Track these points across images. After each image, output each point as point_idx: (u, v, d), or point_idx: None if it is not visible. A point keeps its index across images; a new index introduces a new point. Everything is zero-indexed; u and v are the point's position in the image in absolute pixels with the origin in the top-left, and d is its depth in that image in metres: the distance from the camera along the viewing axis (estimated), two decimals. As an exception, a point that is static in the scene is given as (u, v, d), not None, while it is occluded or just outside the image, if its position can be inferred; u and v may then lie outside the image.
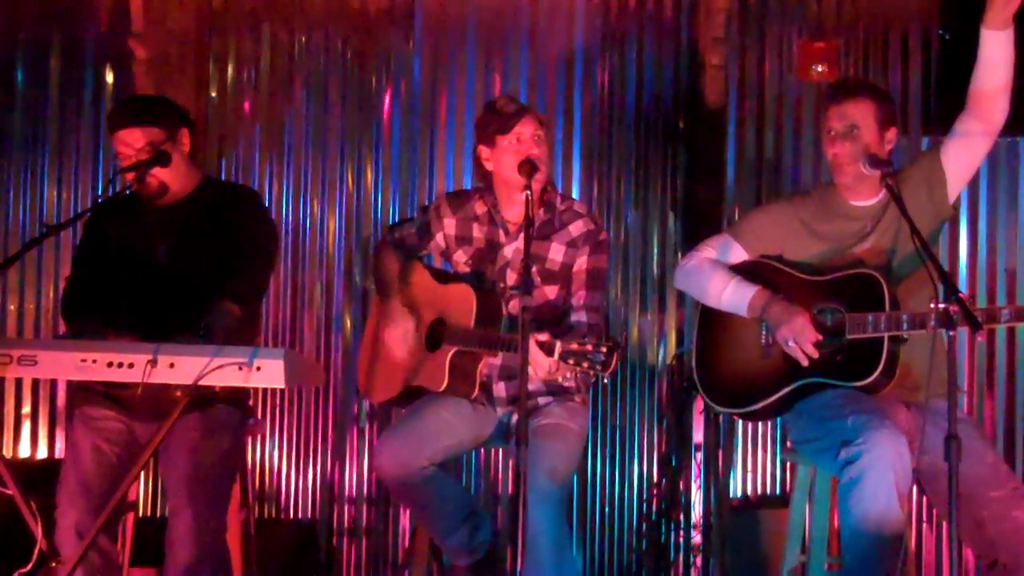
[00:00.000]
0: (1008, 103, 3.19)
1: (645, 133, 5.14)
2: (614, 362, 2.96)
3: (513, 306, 3.49)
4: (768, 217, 3.50)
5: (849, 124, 3.29)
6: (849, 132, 3.29)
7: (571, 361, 3.00)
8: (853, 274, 3.23)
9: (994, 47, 3.14)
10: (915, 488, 3.30)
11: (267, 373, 2.91)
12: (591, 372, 2.98)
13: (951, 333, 2.74)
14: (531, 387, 3.42)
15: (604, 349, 2.97)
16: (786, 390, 3.29)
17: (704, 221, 4.91)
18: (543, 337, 3.08)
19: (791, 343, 3.22)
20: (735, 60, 5.08)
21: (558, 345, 3.04)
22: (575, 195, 5.07)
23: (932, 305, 2.81)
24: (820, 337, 3.20)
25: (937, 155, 3.31)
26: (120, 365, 2.96)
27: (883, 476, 2.93)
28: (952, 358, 2.72)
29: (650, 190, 5.14)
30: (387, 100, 5.26)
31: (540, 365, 3.08)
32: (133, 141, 3.42)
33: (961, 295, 2.77)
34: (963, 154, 3.27)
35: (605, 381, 3.06)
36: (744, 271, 3.42)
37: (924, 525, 4.84)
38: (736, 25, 5.07)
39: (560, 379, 3.15)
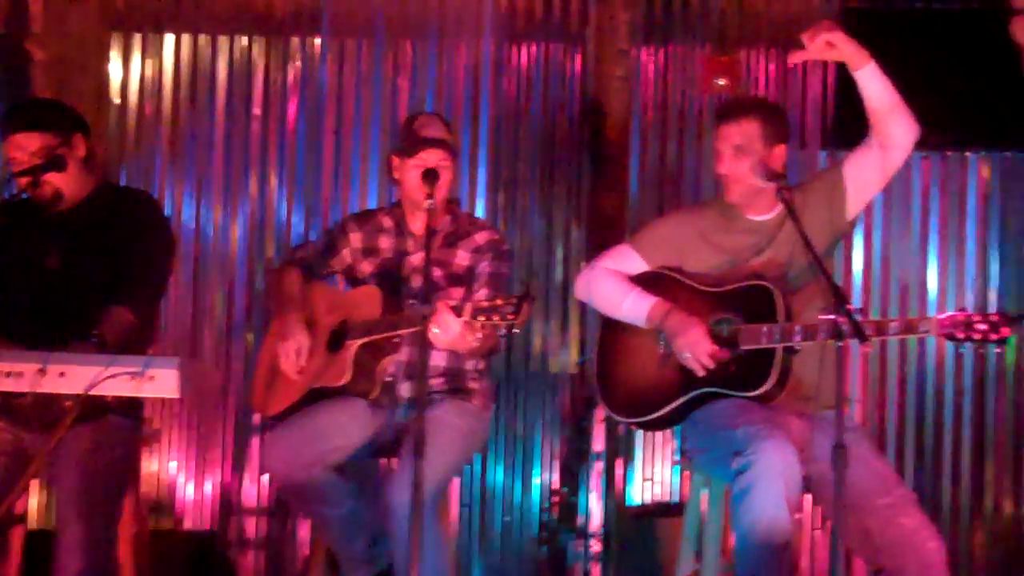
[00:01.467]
0: (906, 121, 3.24)
1: (551, 143, 5.18)
2: (524, 310, 2.95)
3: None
4: (667, 229, 3.54)
5: (735, 144, 3.35)
6: (735, 152, 3.35)
7: (482, 317, 2.99)
8: (748, 286, 3.28)
9: (860, 83, 3.21)
10: (809, 496, 3.37)
11: (160, 383, 2.87)
12: (502, 324, 2.97)
13: (839, 344, 2.81)
14: (433, 383, 3.48)
15: (514, 299, 2.98)
16: (682, 400, 3.33)
17: (608, 231, 4.94)
18: (453, 301, 3.10)
19: (687, 354, 3.26)
20: (638, 72, 5.14)
21: (468, 305, 3.04)
22: (480, 204, 5.11)
23: (820, 317, 2.87)
24: (716, 348, 3.24)
25: (840, 170, 3.37)
26: (8, 374, 2.90)
27: (772, 485, 2.97)
28: (840, 369, 2.77)
29: (555, 200, 5.18)
30: (293, 106, 5.22)
31: (448, 327, 3.07)
32: (26, 146, 3.35)
33: (849, 308, 2.84)
34: (864, 171, 3.33)
35: (516, 331, 3.04)
36: (644, 282, 3.45)
37: (818, 532, 4.93)
38: (639, 37, 5.13)
39: (471, 339, 3.14)
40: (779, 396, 3.20)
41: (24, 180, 3.35)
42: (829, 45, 3.14)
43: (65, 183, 3.41)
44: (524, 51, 5.21)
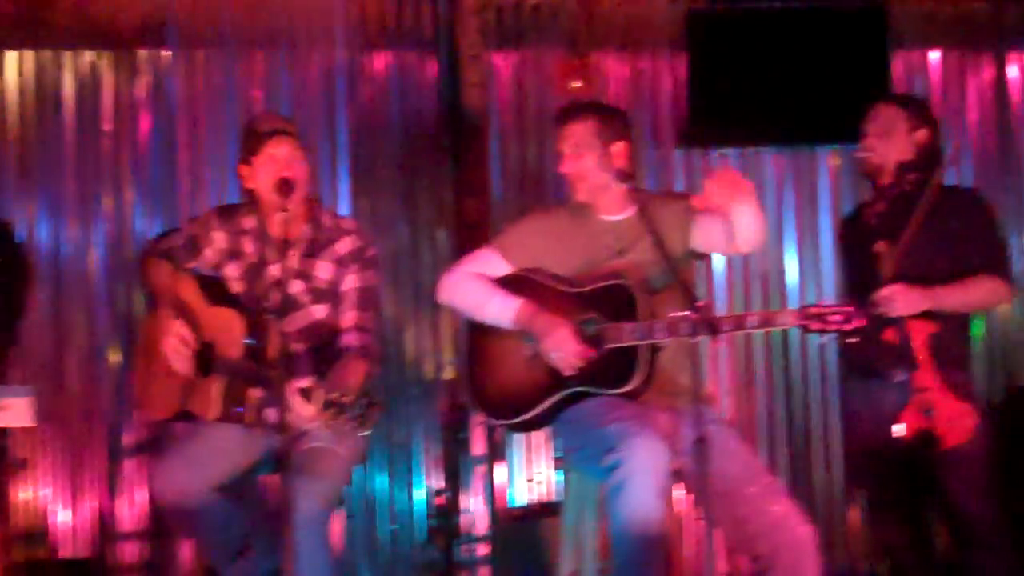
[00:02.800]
0: (759, 237, 3.25)
1: (411, 149, 5.18)
2: (372, 419, 2.97)
3: (282, 326, 3.45)
4: (527, 231, 3.57)
5: (573, 144, 3.42)
6: (575, 150, 3.42)
7: (330, 411, 2.99)
8: (607, 285, 3.33)
9: (736, 215, 3.19)
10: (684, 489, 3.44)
11: (14, 412, 2.81)
12: (348, 427, 2.99)
13: (694, 340, 2.89)
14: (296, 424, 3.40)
15: (363, 403, 2.98)
16: (552, 400, 3.36)
17: (473, 234, 4.97)
18: (304, 383, 3.06)
19: (555, 354, 3.31)
20: (493, 76, 5.18)
21: (319, 393, 3.02)
22: (345, 211, 5.05)
23: (675, 314, 2.96)
24: (583, 347, 3.30)
25: (692, 210, 3.38)
26: None
27: (644, 481, 3.02)
28: (695, 363, 2.86)
29: (419, 205, 5.18)
30: (145, 120, 5.11)
31: (300, 414, 3.07)
32: None
33: (699, 303, 2.93)
34: (710, 235, 3.33)
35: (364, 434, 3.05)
36: (507, 284, 3.47)
37: (700, 522, 5.03)
38: (493, 42, 5.17)
39: (320, 425, 3.13)
40: (646, 392, 3.27)
41: None
42: (731, 197, 3.15)
43: None
44: (378, 58, 5.20)
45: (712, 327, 2.87)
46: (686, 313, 2.92)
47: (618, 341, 3.25)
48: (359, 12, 5.17)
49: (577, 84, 5.08)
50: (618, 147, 3.42)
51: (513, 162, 5.20)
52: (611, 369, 3.26)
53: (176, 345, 3.44)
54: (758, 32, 5.09)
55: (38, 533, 4.93)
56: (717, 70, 5.08)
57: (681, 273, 3.08)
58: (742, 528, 3.17)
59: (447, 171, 5.18)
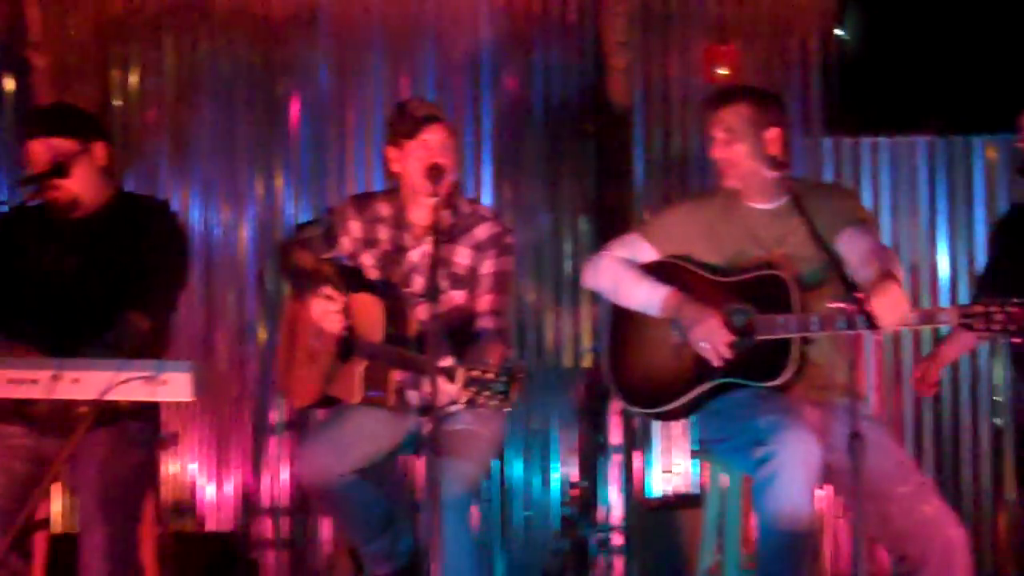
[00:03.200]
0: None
1: (554, 136, 5.17)
2: (514, 393, 2.97)
3: (421, 312, 3.49)
4: (676, 217, 3.53)
5: (726, 129, 3.36)
6: (726, 137, 3.36)
7: (473, 389, 3.00)
8: (761, 276, 3.28)
9: None
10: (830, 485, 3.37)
11: (174, 386, 2.88)
12: (492, 403, 3.00)
13: (851, 333, 2.81)
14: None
15: (504, 379, 2.98)
16: (699, 390, 3.32)
17: (615, 222, 4.94)
18: (446, 363, 3.08)
19: (705, 344, 3.26)
20: (639, 63, 5.13)
21: (460, 372, 3.04)
22: (487, 199, 5.07)
23: (831, 305, 2.88)
24: (733, 338, 3.24)
25: (843, 226, 3.28)
26: (22, 381, 2.91)
27: (795, 475, 2.98)
28: (852, 357, 2.77)
29: (561, 192, 5.17)
30: (294, 106, 5.22)
31: (443, 392, 3.07)
32: (46, 150, 3.36)
33: (859, 295, 2.84)
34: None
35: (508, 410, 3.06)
36: (654, 271, 3.45)
37: (839, 521, 4.93)
38: (639, 28, 5.12)
39: (461, 403, 3.15)
40: (796, 386, 3.20)
41: (30, 186, 3.36)
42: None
43: (83, 189, 3.42)
44: (524, 44, 5.20)
45: (870, 321, 2.78)
46: (843, 306, 2.83)
47: (770, 333, 3.19)
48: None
49: (724, 71, 5.00)
50: (772, 133, 3.35)
51: (656, 150, 5.15)
52: (761, 361, 3.21)
53: (324, 304, 3.47)
54: (914, 16, 4.92)
55: (186, 506, 5.10)
56: (870, 55, 4.95)
57: (837, 265, 2.98)
58: (891, 527, 3.11)
59: (590, 158, 5.15)
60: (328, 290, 3.47)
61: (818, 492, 3.29)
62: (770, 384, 3.20)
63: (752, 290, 3.27)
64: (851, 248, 3.17)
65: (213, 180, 5.20)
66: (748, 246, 3.38)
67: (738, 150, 3.35)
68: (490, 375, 2.97)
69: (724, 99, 3.41)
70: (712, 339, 3.24)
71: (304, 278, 3.61)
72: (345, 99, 5.20)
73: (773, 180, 3.33)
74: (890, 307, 2.88)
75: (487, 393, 2.97)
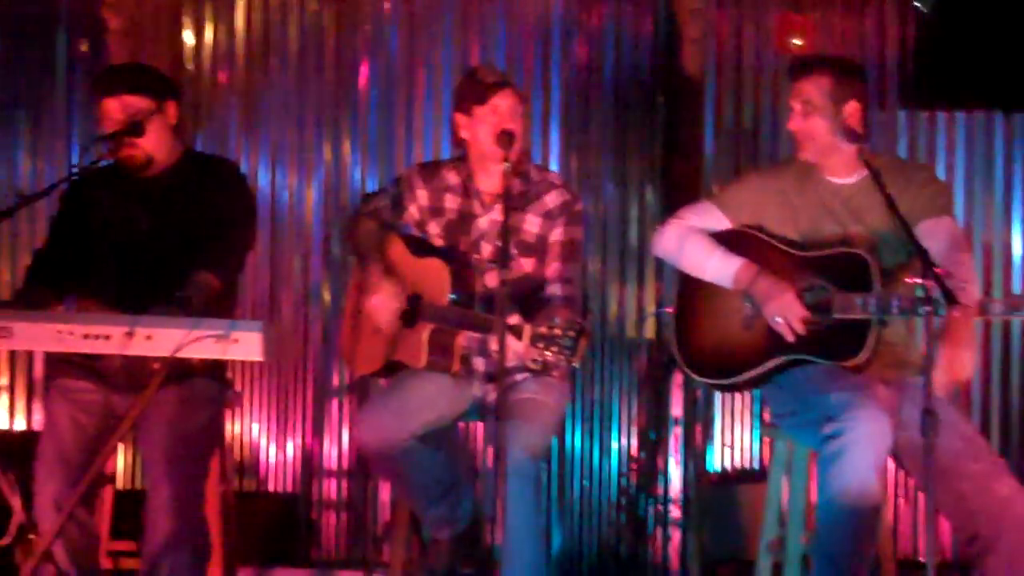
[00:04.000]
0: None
1: (623, 106, 5.12)
2: (581, 347, 2.96)
3: (489, 279, 3.49)
4: (750, 186, 3.48)
5: (804, 100, 3.30)
6: (805, 108, 3.30)
7: (540, 345, 3.00)
8: (841, 253, 3.23)
9: None
10: (892, 464, 3.33)
11: (245, 346, 2.90)
12: (559, 358, 2.98)
13: (927, 309, 2.76)
14: (508, 363, 3.41)
15: (572, 334, 2.96)
16: (770, 364, 3.28)
17: (682, 194, 4.87)
18: (513, 320, 3.07)
19: (779, 318, 3.22)
20: (712, 32, 5.07)
21: (527, 329, 3.03)
22: (553, 167, 5.03)
23: (908, 281, 2.83)
24: (808, 314, 3.20)
25: (923, 212, 3.24)
26: (96, 337, 2.94)
27: (865, 453, 2.95)
28: (930, 334, 2.73)
29: (628, 163, 5.13)
30: (364, 71, 5.22)
31: (508, 349, 3.06)
32: (120, 108, 3.38)
33: (938, 270, 2.79)
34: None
35: (575, 366, 3.05)
36: (726, 240, 3.40)
37: (901, 500, 4.88)
38: (713, -3, 5.07)
39: (529, 362, 3.14)
40: (870, 365, 3.16)
41: (105, 145, 3.39)
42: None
43: (156, 149, 3.44)
44: (595, 12, 5.16)
45: (945, 295, 2.73)
46: (922, 282, 2.78)
47: (849, 312, 3.13)
48: (579, -36, 5.15)
49: (798, 42, 4.93)
50: (851, 107, 3.28)
51: (727, 121, 5.08)
52: (836, 339, 3.16)
53: (383, 301, 3.50)
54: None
55: (247, 466, 5.15)
56: (949, 27, 4.83)
57: (917, 242, 2.93)
58: (963, 506, 3.06)
59: (659, 128, 5.11)
60: (390, 288, 3.49)
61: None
62: (845, 364, 3.15)
63: (830, 266, 3.21)
64: (930, 241, 3.10)
65: (281, 144, 5.22)
66: (824, 221, 3.32)
67: (816, 123, 3.28)
68: (557, 331, 2.96)
69: (804, 70, 3.33)
70: (787, 314, 3.20)
71: (367, 255, 3.63)
72: (415, 64, 5.19)
73: (851, 154, 3.27)
74: (953, 366, 2.96)
75: (554, 348, 2.97)
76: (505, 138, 3.35)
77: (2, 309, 3.23)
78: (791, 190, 3.38)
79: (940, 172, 4.92)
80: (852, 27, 5.06)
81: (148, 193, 3.47)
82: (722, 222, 3.44)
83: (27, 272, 3.52)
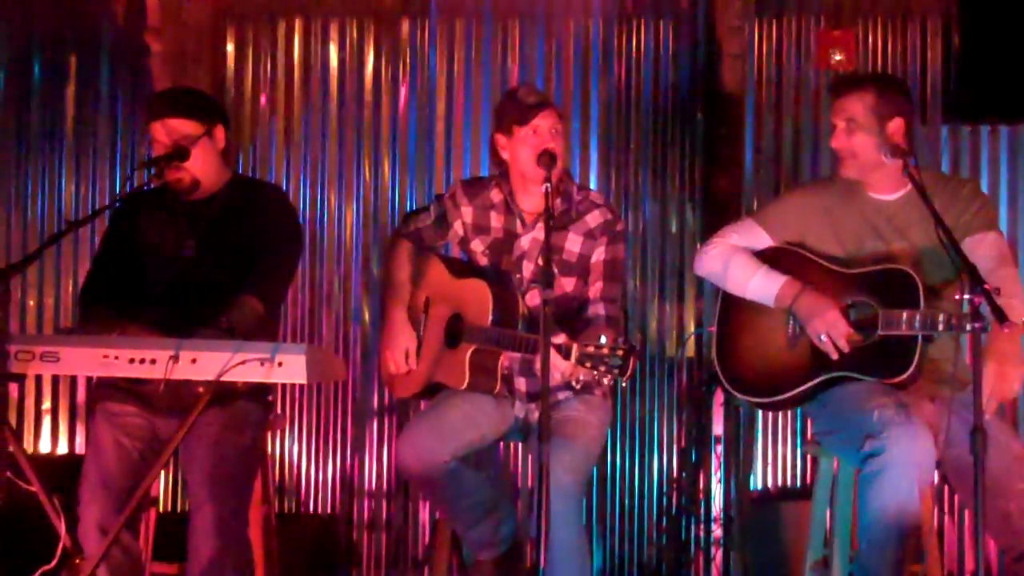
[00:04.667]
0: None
1: (663, 123, 5.13)
2: (631, 366, 2.95)
3: (530, 298, 3.48)
4: (793, 203, 3.46)
5: (847, 118, 3.28)
6: (849, 125, 3.28)
7: (588, 364, 2.99)
8: (885, 269, 3.20)
9: None
10: (938, 480, 3.29)
11: (289, 369, 2.90)
12: (608, 376, 2.97)
13: (976, 325, 2.73)
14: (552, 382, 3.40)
15: (620, 352, 2.95)
16: (814, 382, 3.25)
17: (723, 212, 4.88)
18: (559, 340, 3.06)
19: (823, 336, 3.20)
20: (752, 49, 5.06)
21: (575, 348, 3.02)
22: (593, 186, 5.04)
23: (957, 296, 2.79)
24: (852, 331, 3.17)
25: (968, 227, 3.24)
26: (142, 361, 2.96)
27: (905, 471, 2.93)
28: (978, 351, 2.70)
29: (668, 181, 5.12)
30: (403, 91, 5.25)
31: (556, 368, 3.05)
32: (168, 133, 3.41)
33: (987, 286, 2.75)
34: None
35: (623, 384, 3.04)
36: (769, 258, 3.38)
37: (945, 518, 4.82)
38: (753, 14, 5.05)
39: (573, 382, 3.13)
40: (916, 382, 3.13)
41: (152, 169, 3.41)
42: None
43: (203, 173, 3.47)
44: (634, 30, 5.16)
45: (994, 311, 2.69)
46: (970, 298, 2.74)
47: (894, 329, 3.10)
48: (617, -18, 5.16)
49: (839, 57, 4.90)
50: (895, 124, 3.26)
51: (767, 138, 5.07)
52: (881, 357, 3.13)
53: (400, 357, 3.54)
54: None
55: (288, 487, 5.17)
56: (990, 40, 4.79)
57: (964, 258, 2.89)
58: (1009, 524, 3.03)
59: (699, 146, 5.10)
60: (408, 343, 3.53)
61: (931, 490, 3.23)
62: (890, 382, 3.12)
63: (875, 283, 3.19)
64: (976, 256, 3.07)
65: (322, 165, 5.26)
66: (867, 237, 3.30)
67: (860, 140, 3.26)
68: (604, 350, 2.95)
69: (848, 86, 3.32)
70: (832, 332, 3.17)
71: (395, 294, 3.64)
72: (454, 85, 5.22)
73: (895, 170, 3.24)
74: (999, 383, 2.99)
75: (603, 367, 2.95)
76: (546, 158, 3.35)
77: (67, 335, 3.25)
78: (834, 206, 3.36)
79: (984, 186, 4.87)
80: (894, 41, 5.03)
81: (195, 217, 3.50)
82: (764, 240, 3.42)
83: (83, 296, 3.54)
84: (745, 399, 3.48)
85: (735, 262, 3.39)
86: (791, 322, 3.31)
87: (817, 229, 3.36)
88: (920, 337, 3.09)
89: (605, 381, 3.00)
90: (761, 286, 3.33)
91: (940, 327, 3.04)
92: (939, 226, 2.95)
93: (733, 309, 3.46)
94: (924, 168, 3.19)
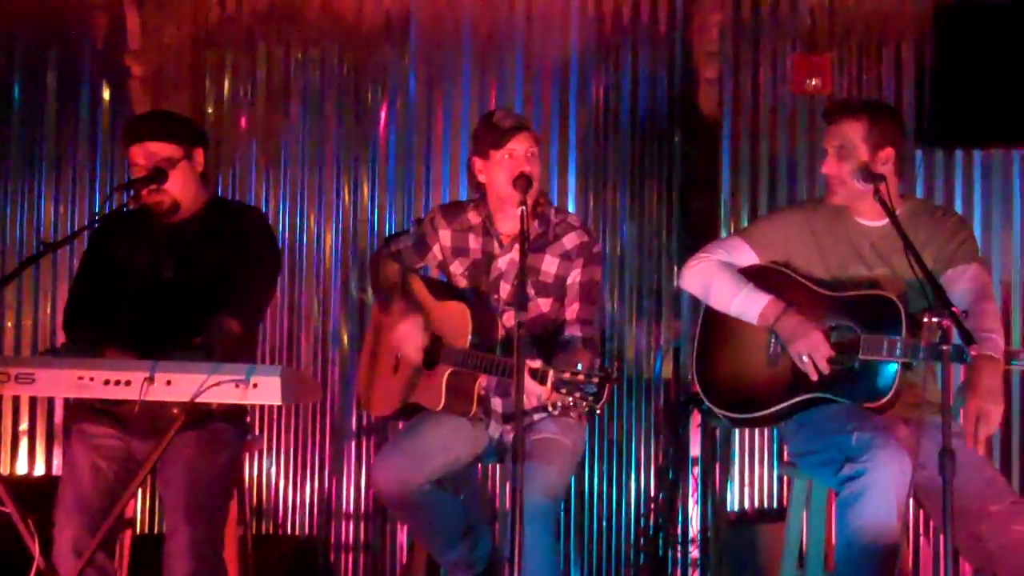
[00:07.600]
0: None
1: (640, 147, 5.16)
2: (606, 394, 2.97)
3: (507, 319, 3.50)
4: (780, 223, 3.49)
5: (839, 144, 3.31)
6: (838, 152, 3.31)
7: (563, 391, 3.00)
8: (870, 295, 3.23)
9: None
10: (913, 503, 3.31)
11: (264, 390, 2.90)
12: (584, 404, 2.98)
13: (945, 348, 2.76)
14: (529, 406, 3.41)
15: (596, 380, 2.97)
16: (792, 401, 3.28)
17: (700, 234, 4.91)
18: (536, 364, 3.07)
19: (805, 357, 3.22)
20: (729, 74, 5.10)
21: (551, 374, 3.03)
22: (571, 209, 5.07)
23: (926, 320, 2.82)
24: (833, 354, 3.20)
25: (949, 262, 3.29)
26: (117, 383, 2.94)
27: (885, 493, 2.95)
28: (947, 373, 2.73)
29: (646, 203, 5.15)
30: (383, 114, 5.27)
31: (532, 393, 3.07)
32: (147, 155, 3.43)
33: (955, 310, 2.78)
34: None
35: (598, 412, 3.05)
36: (754, 276, 3.40)
37: (922, 539, 4.84)
38: (730, 39, 5.09)
39: (550, 407, 3.14)
40: (893, 407, 3.15)
41: (131, 191, 3.42)
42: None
43: (182, 194, 3.48)
44: (612, 54, 5.20)
45: (962, 334, 2.72)
46: (939, 320, 2.77)
47: (875, 355, 3.13)
48: (595, 8, 5.19)
49: (815, 82, 4.95)
50: (886, 153, 3.30)
51: (744, 161, 5.11)
52: (861, 380, 3.16)
53: (410, 331, 3.50)
54: (1010, 25, 4.81)
55: (265, 509, 5.15)
56: (964, 66, 4.84)
57: (939, 290, 2.91)
58: (982, 546, 3.05)
59: (676, 169, 5.13)
60: (416, 319, 3.50)
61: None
62: (868, 405, 3.15)
63: (858, 308, 3.22)
64: (956, 287, 3.13)
65: (302, 187, 5.27)
66: (852, 262, 3.33)
67: (845, 168, 3.29)
68: (580, 377, 2.96)
69: (841, 113, 3.34)
70: (813, 353, 3.20)
71: (393, 293, 3.65)
72: (433, 108, 5.24)
73: (882, 198, 3.26)
74: (980, 419, 3.01)
75: (578, 394, 2.96)
76: (522, 181, 3.37)
77: (56, 358, 3.24)
78: (821, 230, 3.39)
79: (957, 210, 4.91)
80: (868, 67, 5.08)
81: (173, 239, 3.51)
82: (750, 257, 3.45)
83: (65, 320, 3.54)
84: (723, 414, 3.49)
85: (720, 278, 3.41)
86: (773, 340, 3.33)
87: (803, 250, 3.39)
88: (900, 364, 3.12)
89: (582, 406, 3.01)
90: (745, 304, 3.35)
91: (921, 356, 3.07)
92: (909, 250, 2.98)
93: (713, 325, 3.48)
94: (914, 197, 3.23)
